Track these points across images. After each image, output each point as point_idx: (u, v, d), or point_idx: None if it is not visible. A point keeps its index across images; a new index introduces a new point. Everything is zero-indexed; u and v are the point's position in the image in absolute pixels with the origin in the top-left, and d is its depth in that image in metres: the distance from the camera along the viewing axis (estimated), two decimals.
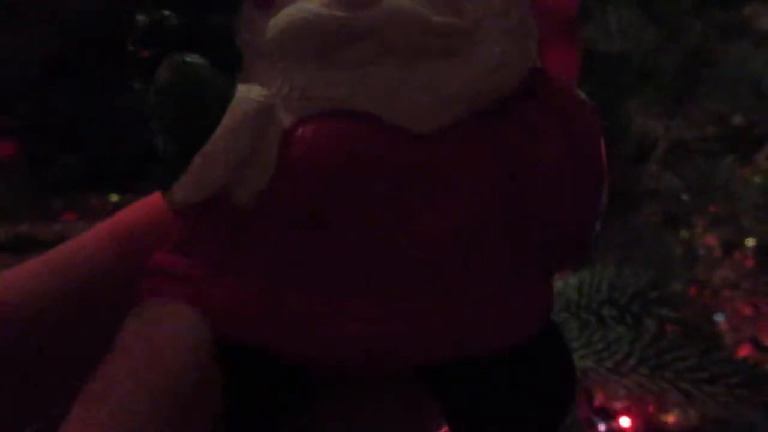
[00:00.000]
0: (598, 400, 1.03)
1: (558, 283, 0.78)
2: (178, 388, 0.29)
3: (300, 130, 0.32)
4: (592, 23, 0.83)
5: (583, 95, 0.34)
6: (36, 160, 1.06)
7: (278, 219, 0.32)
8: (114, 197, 0.98)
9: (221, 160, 0.32)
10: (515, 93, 0.33)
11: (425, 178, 0.31)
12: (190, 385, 0.29)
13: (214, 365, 0.30)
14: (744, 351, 1.12)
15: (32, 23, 0.97)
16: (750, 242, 1.10)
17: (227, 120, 0.32)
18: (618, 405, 1.05)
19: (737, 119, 1.05)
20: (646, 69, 0.84)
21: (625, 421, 1.06)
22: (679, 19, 0.89)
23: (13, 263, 0.34)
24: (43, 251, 0.35)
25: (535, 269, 0.34)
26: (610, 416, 1.06)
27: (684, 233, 1.02)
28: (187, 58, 0.33)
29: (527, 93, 0.33)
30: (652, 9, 0.86)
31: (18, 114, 1.04)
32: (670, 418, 1.07)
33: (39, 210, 1.01)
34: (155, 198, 0.36)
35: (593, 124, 0.34)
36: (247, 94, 0.32)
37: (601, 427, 1.05)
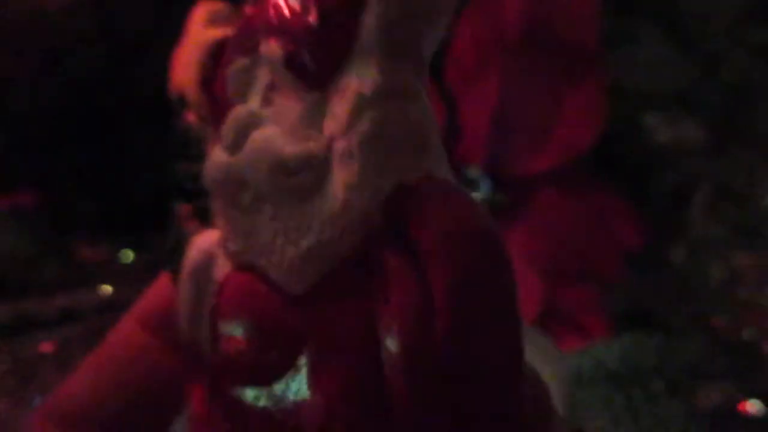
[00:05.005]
0: None
1: (598, 352, 0.71)
2: None
3: (222, 286, 0.32)
4: (615, 59, 0.76)
5: (465, 204, 0.29)
6: (56, 207, 1.06)
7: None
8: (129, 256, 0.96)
9: (182, 312, 0.33)
10: (380, 228, 0.29)
11: (305, 345, 0.30)
12: None
13: None
14: None
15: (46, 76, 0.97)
16: None
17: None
18: None
19: None
20: (683, 106, 0.77)
21: None
22: (717, 46, 0.82)
23: None
24: None
25: None
26: None
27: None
28: None
29: (394, 221, 0.28)
30: (684, 40, 0.79)
31: (37, 162, 1.04)
32: None
33: (61, 256, 1.02)
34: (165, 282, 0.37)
35: (462, 260, 0.27)
36: (198, 241, 0.32)
37: None
